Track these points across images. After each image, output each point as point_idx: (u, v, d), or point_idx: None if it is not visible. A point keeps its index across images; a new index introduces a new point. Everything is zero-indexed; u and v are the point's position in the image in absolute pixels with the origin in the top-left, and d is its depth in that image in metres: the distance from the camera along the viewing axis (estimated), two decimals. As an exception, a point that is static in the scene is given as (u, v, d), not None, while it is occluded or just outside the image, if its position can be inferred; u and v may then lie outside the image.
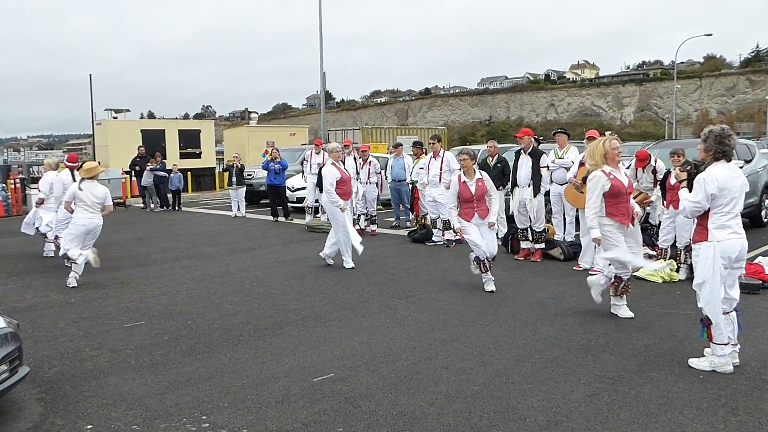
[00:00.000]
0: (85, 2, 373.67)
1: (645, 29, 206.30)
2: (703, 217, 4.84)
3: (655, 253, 8.55)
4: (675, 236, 8.27)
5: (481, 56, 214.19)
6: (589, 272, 8.44)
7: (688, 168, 5.21)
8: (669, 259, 8.21)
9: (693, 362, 4.94)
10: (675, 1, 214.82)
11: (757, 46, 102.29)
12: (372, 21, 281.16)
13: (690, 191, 4.93)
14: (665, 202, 8.47)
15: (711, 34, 55.86)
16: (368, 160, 13.21)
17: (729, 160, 4.85)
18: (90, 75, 26.19)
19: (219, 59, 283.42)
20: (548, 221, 10.02)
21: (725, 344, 4.78)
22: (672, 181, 8.13)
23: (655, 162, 9.41)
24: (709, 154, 4.86)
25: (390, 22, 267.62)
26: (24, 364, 4.35)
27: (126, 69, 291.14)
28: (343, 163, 14.31)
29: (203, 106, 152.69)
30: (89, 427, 4.02)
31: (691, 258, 7.91)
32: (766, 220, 12.29)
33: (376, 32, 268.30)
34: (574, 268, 8.74)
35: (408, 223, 13.51)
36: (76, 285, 8.08)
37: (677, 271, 8.04)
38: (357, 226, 12.83)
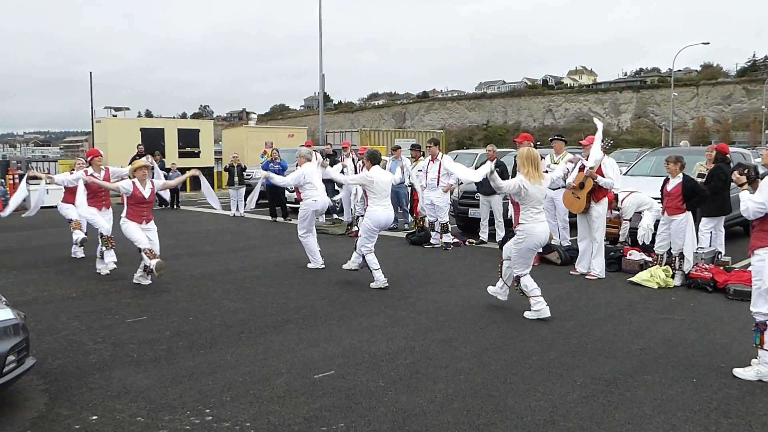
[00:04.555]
0: (101, 0, 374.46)
1: (644, 38, 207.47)
2: (765, 222, 4.88)
3: (651, 259, 8.64)
4: (670, 242, 8.36)
5: (481, 61, 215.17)
6: (586, 277, 8.56)
7: (746, 171, 5.29)
8: (665, 265, 8.30)
9: (738, 372, 4.91)
10: (675, 12, 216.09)
11: (754, 56, 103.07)
12: (385, 25, 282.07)
13: (753, 193, 5.00)
14: (662, 209, 8.54)
15: (708, 43, 55.98)
16: (367, 162, 13.27)
17: None
18: (90, 73, 26.33)
19: (227, 59, 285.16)
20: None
21: None
22: (669, 187, 8.24)
23: (621, 202, 9.71)
24: None
25: (403, 27, 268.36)
26: (30, 355, 4.42)
27: (135, 67, 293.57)
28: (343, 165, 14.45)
29: (201, 105, 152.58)
30: (94, 418, 4.10)
31: (684, 264, 8.09)
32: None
33: (387, 36, 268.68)
34: (570, 272, 8.84)
35: (406, 225, 13.61)
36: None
37: (672, 277, 8.14)
38: (356, 227, 12.93)
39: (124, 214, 7.94)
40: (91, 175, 9.00)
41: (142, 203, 7.97)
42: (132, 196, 7.86)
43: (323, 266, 9.14)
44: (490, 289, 7.19)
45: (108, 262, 8.67)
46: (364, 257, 8.00)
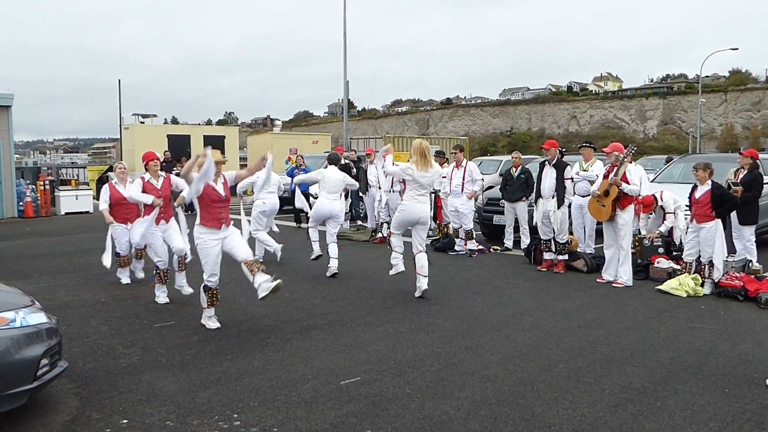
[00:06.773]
0: (136, 10, 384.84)
1: (672, 45, 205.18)
2: None
3: (679, 267, 8.52)
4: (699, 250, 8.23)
5: (507, 69, 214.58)
6: (612, 284, 8.47)
7: None
8: (694, 273, 8.18)
9: None
10: (703, 19, 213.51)
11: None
12: (416, 33, 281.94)
13: None
14: (690, 216, 8.42)
15: (737, 48, 54.75)
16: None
17: None
18: (119, 80, 26.89)
19: (256, 67, 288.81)
20: (571, 233, 10.05)
21: None
22: (697, 195, 8.12)
23: (661, 198, 9.67)
24: None
25: (433, 35, 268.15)
26: (62, 359, 4.50)
27: (166, 75, 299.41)
28: (366, 171, 14.49)
29: (226, 112, 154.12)
30: (125, 421, 4.15)
31: (714, 272, 7.96)
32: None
33: (417, 44, 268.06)
34: (597, 280, 8.75)
35: (430, 232, 13.57)
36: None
37: (701, 285, 8.01)
38: (380, 234, 12.95)
39: (198, 222, 6.51)
40: (148, 182, 7.66)
41: (218, 202, 6.44)
42: (204, 194, 6.29)
43: (281, 250, 10.14)
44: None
45: (182, 285, 7.78)
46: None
